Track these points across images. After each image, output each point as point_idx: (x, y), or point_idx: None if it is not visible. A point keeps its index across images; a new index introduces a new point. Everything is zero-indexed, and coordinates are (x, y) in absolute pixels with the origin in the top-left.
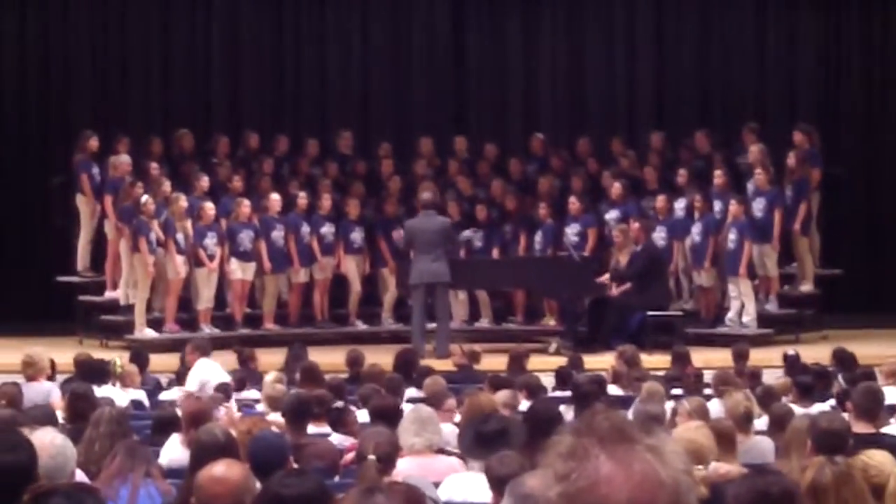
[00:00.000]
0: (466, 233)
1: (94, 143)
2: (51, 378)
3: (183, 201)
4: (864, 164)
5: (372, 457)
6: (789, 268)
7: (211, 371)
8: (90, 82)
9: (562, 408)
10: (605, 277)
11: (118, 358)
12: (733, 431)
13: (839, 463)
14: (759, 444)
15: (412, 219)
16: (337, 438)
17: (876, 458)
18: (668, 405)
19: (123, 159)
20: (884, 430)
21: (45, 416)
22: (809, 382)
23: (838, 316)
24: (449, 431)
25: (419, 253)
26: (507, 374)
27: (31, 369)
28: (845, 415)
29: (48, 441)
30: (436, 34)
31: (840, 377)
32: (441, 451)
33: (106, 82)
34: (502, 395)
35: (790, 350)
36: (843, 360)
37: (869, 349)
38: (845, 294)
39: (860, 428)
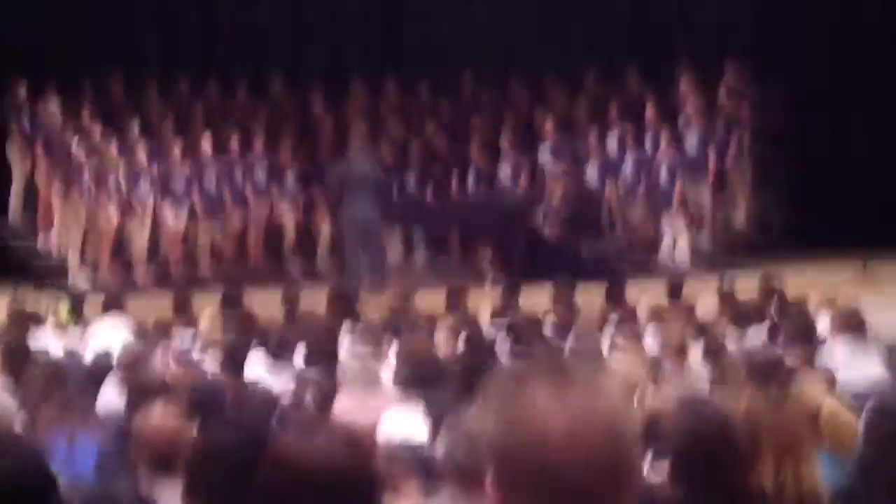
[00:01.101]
0: None
1: (22, 91)
2: None
3: (114, 148)
4: (793, 97)
5: (309, 399)
6: (722, 203)
7: (111, 328)
8: (19, 28)
9: (498, 344)
10: (540, 217)
11: (62, 304)
12: (661, 363)
13: (773, 392)
14: (695, 375)
15: (342, 164)
16: (273, 383)
17: (808, 387)
18: (604, 341)
19: (53, 107)
20: (815, 359)
21: None
22: (742, 315)
23: (771, 249)
24: (385, 373)
25: (351, 197)
26: (446, 311)
27: None
28: (778, 346)
29: None
30: None
31: (772, 309)
32: (381, 391)
33: (35, 28)
34: (441, 331)
35: (724, 284)
36: (773, 292)
37: (801, 281)
38: (777, 228)
39: (792, 358)
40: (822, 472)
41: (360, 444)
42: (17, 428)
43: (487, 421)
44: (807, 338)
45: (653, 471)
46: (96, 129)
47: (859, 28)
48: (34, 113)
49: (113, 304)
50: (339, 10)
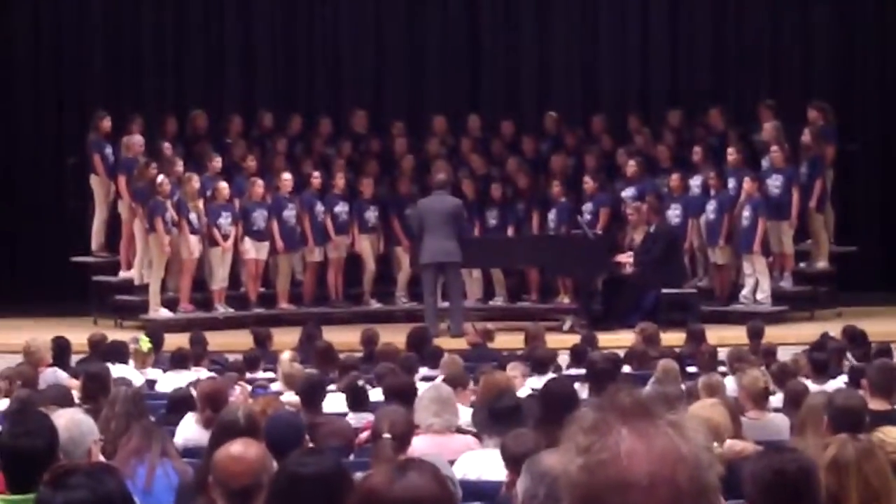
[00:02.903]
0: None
1: (106, 123)
2: (52, 364)
3: (195, 181)
4: (879, 140)
5: (387, 435)
6: (804, 245)
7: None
8: (103, 61)
9: (577, 386)
10: (626, 256)
11: (143, 336)
12: (741, 409)
13: (862, 440)
14: (775, 422)
15: (423, 199)
16: (353, 418)
17: (892, 434)
18: (685, 384)
19: (136, 139)
20: None
21: (61, 397)
22: (824, 359)
23: (853, 293)
24: (465, 412)
25: (430, 232)
26: (525, 351)
27: (31, 358)
28: (861, 392)
29: (68, 417)
30: (449, 10)
31: (849, 354)
32: (458, 430)
33: (119, 62)
34: (512, 369)
35: (829, 330)
36: (854, 336)
37: (885, 326)
38: (860, 271)
39: (876, 405)
40: None
41: (445, 482)
42: (99, 456)
43: (569, 462)
44: (891, 384)
45: None
46: (179, 163)
47: None
48: (117, 146)
49: (195, 345)
50: (422, 44)
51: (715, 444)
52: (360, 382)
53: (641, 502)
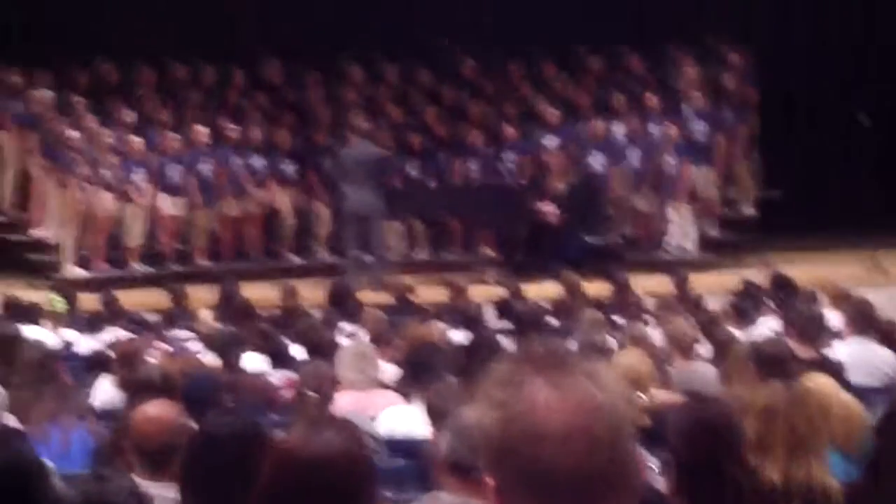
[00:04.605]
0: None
1: (15, 78)
2: None
3: (108, 136)
4: (805, 83)
5: (311, 393)
6: (730, 190)
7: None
8: (7, 15)
9: (501, 338)
10: (549, 205)
11: (55, 297)
12: (667, 359)
13: (792, 387)
14: (702, 371)
15: (346, 149)
16: (273, 375)
17: (819, 381)
18: (609, 333)
19: (45, 94)
20: (825, 353)
21: None
22: (752, 307)
23: (780, 238)
24: (390, 368)
25: (352, 183)
26: (448, 302)
27: None
28: (787, 339)
29: None
30: None
31: (770, 301)
32: (381, 385)
33: (26, 13)
34: (444, 322)
35: (755, 277)
36: (780, 283)
37: (811, 271)
38: (787, 216)
39: (802, 352)
40: (831, 468)
41: (361, 440)
42: (9, 419)
43: (485, 416)
44: (817, 331)
45: (658, 467)
46: (90, 117)
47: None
48: (27, 101)
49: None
50: None
51: (638, 393)
52: (282, 340)
53: (557, 453)
